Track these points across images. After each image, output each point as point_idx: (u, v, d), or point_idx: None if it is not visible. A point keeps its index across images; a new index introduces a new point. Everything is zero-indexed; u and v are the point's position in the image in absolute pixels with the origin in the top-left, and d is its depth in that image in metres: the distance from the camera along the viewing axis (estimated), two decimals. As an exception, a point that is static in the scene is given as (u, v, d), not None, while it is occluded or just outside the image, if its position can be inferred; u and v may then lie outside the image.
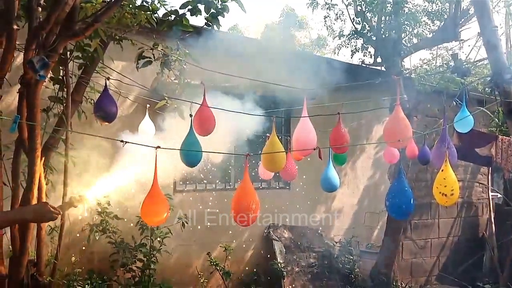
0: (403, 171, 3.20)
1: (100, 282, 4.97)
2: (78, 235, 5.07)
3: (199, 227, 5.95)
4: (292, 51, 7.58)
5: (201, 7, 3.69)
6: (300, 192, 6.77)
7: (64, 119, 3.50)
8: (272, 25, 15.87)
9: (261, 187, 6.47)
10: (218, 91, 4.03)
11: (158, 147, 2.70)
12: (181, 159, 3.26)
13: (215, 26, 3.83)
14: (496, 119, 8.08)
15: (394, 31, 6.95)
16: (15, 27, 2.65)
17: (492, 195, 8.60)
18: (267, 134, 3.69)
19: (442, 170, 3.22)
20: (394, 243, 7.04)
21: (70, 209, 2.68)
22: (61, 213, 2.41)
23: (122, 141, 2.68)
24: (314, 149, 3.30)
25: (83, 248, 5.18)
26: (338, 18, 8.65)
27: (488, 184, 8.59)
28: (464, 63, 6.56)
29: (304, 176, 6.05)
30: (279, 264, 6.20)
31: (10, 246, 3.17)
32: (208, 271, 5.96)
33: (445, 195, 3.21)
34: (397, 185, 3.09)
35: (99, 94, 3.95)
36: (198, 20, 3.89)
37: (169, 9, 3.82)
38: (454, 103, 4.88)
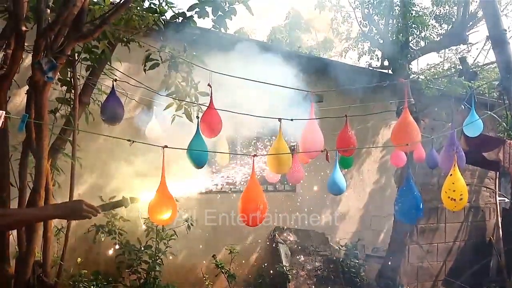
0: (411, 175, 3.18)
1: (105, 283, 4.97)
2: (84, 236, 5.09)
3: (204, 229, 5.94)
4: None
5: (209, 9, 3.69)
6: (306, 195, 6.76)
7: (71, 121, 3.51)
8: (278, 28, 15.84)
9: (267, 189, 6.46)
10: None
11: (166, 146, 2.71)
12: (188, 160, 3.26)
13: (222, 29, 3.82)
14: (504, 124, 8.02)
15: (401, 34, 6.93)
16: (23, 28, 2.66)
17: (499, 200, 8.55)
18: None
19: (451, 175, 3.19)
20: (401, 247, 7.00)
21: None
22: (100, 212, 2.30)
23: (129, 140, 2.69)
24: (322, 152, 3.28)
25: (89, 249, 5.19)
26: (345, 21, 8.65)
27: (496, 189, 8.54)
28: (472, 67, 6.52)
29: (310, 179, 6.03)
30: (284, 267, 6.17)
31: (17, 247, 3.18)
32: (213, 274, 5.95)
33: (454, 199, 3.19)
34: (406, 189, 3.07)
35: (106, 96, 3.96)
36: (205, 23, 3.90)
37: (176, 11, 3.83)
38: (463, 106, 4.85)
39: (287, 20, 16.38)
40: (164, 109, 4.07)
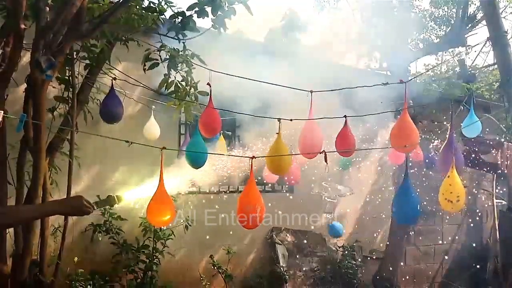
0: (409, 176, 3.17)
1: (102, 283, 4.95)
2: (81, 235, 5.07)
3: (202, 229, 5.92)
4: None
5: (208, 9, 3.68)
6: (303, 195, 6.74)
7: (69, 119, 3.50)
8: (276, 29, 15.78)
9: (264, 190, 6.45)
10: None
11: (164, 147, 2.70)
12: (186, 160, 3.26)
13: (221, 29, 3.81)
14: (502, 126, 8.03)
15: (400, 36, 6.93)
16: (22, 26, 2.65)
17: (496, 202, 8.54)
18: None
19: (448, 177, 3.19)
20: (398, 249, 7.00)
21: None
22: (95, 209, 2.35)
23: (127, 141, 2.68)
24: (320, 153, 3.27)
25: (86, 248, 5.17)
26: (344, 23, 8.65)
27: (493, 191, 8.53)
28: (470, 69, 6.52)
29: (308, 180, 6.02)
30: (281, 268, 6.17)
31: (13, 245, 3.16)
32: (211, 274, 5.93)
33: (451, 201, 3.18)
34: (403, 190, 3.06)
35: (105, 95, 3.95)
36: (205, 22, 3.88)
37: (176, 11, 3.81)
38: (461, 108, 4.85)
39: (283, 21, 16.30)
40: (163, 108, 4.05)
